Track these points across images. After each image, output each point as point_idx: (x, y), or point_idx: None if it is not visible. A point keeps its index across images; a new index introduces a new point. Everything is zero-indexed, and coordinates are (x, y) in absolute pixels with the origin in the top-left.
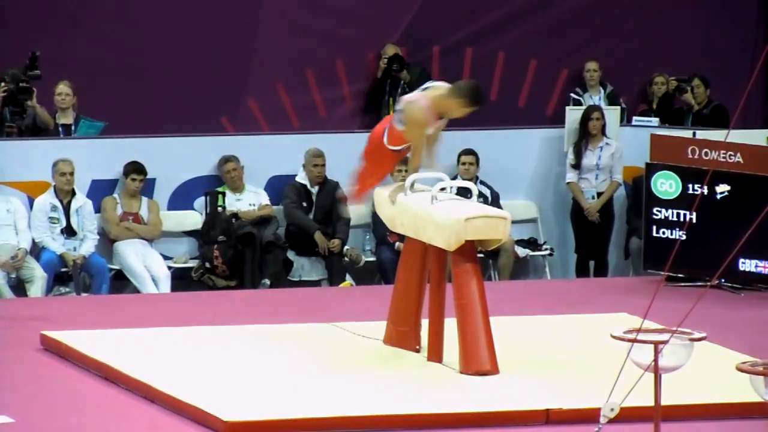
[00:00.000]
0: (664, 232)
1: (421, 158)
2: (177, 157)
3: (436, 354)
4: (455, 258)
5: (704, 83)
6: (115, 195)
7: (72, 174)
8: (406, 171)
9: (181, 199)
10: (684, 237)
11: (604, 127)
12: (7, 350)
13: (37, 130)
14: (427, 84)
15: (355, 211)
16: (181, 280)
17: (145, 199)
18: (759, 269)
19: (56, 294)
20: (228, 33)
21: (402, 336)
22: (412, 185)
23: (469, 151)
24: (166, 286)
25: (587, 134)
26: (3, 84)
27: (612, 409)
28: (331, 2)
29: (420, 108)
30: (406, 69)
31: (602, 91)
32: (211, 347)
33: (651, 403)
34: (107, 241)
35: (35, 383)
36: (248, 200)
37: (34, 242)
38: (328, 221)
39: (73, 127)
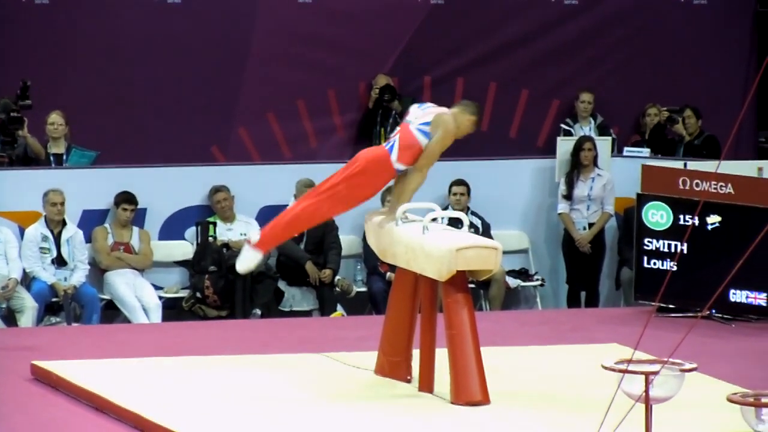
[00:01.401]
0: (655, 263)
1: (425, 176)
2: (168, 187)
3: (427, 384)
4: (446, 288)
5: (696, 114)
6: (106, 225)
7: (63, 204)
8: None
9: (172, 229)
10: (675, 268)
11: (595, 157)
12: None
13: (29, 160)
14: (425, 105)
15: (347, 242)
16: (172, 310)
17: (136, 229)
18: (750, 300)
19: (47, 324)
20: (219, 63)
21: (393, 366)
22: (404, 215)
23: (460, 182)
24: (156, 316)
25: (579, 165)
26: None
27: None
28: (322, 33)
29: (451, 118)
30: (398, 99)
31: (593, 121)
32: (202, 377)
33: None
34: (98, 271)
35: (25, 413)
36: (239, 230)
37: (24, 272)
38: (319, 251)
39: (64, 157)
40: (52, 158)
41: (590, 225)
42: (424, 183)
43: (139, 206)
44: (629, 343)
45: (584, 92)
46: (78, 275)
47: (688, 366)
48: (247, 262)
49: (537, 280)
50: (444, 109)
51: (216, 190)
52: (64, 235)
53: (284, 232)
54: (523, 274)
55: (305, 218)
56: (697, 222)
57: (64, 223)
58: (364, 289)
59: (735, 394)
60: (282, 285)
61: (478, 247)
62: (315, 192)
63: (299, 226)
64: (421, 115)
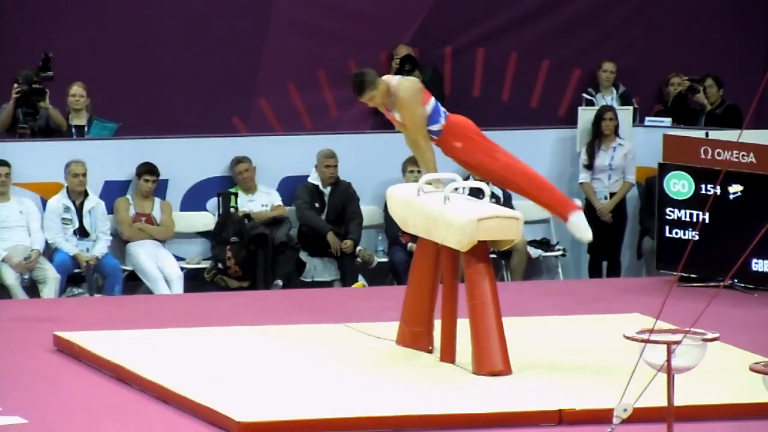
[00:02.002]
0: (676, 233)
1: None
2: (189, 158)
3: (448, 354)
4: (468, 258)
5: (717, 83)
6: (128, 196)
7: (85, 175)
8: (418, 171)
9: (193, 200)
10: (697, 237)
11: (617, 127)
12: (20, 351)
13: (50, 132)
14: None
15: (368, 212)
16: (194, 280)
17: (157, 200)
18: None
19: (69, 295)
20: (239, 34)
21: (415, 336)
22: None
23: None
24: (178, 286)
25: (600, 135)
26: (16, 85)
27: (625, 410)
28: (342, 3)
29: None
30: (418, 69)
31: (614, 91)
32: (224, 348)
33: (664, 403)
34: (120, 242)
35: (48, 384)
36: (260, 201)
37: (47, 243)
38: (340, 222)
39: (86, 128)
40: (73, 130)
41: (611, 195)
42: (444, 155)
43: (160, 177)
44: (651, 313)
45: (606, 62)
46: (100, 246)
47: (710, 335)
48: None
49: (558, 250)
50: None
51: (237, 161)
52: (86, 206)
53: (553, 191)
54: (544, 244)
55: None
56: (719, 191)
57: (86, 194)
58: (385, 259)
59: (757, 363)
60: (303, 256)
61: (500, 217)
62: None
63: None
64: None
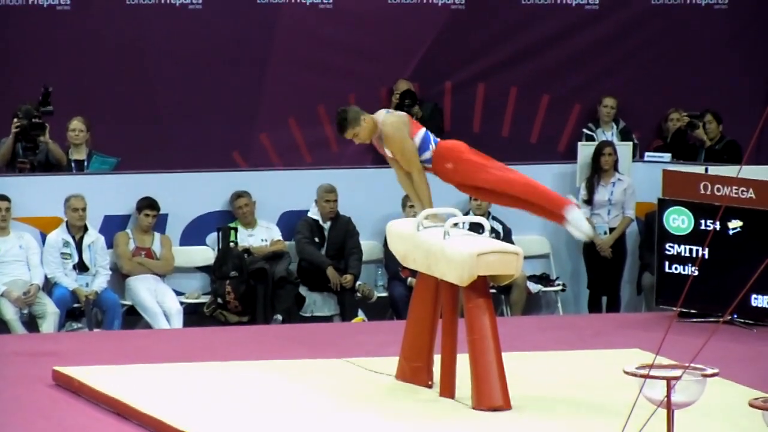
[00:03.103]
0: (676, 268)
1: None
2: (189, 193)
3: (448, 389)
4: (467, 293)
5: (716, 119)
6: (128, 230)
7: (84, 210)
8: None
9: (193, 234)
10: (696, 273)
11: (616, 162)
12: (19, 386)
13: (50, 166)
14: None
15: (368, 247)
16: (194, 315)
17: (157, 235)
18: None
19: (68, 330)
20: (239, 68)
21: (414, 371)
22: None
23: None
24: (178, 321)
25: (599, 170)
26: (16, 119)
27: None
28: (343, 38)
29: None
30: (419, 104)
31: (615, 126)
32: (224, 383)
33: None
34: (119, 277)
35: (48, 419)
36: (260, 236)
37: (46, 278)
38: (340, 257)
39: (85, 163)
40: (73, 164)
41: (611, 230)
42: (445, 188)
43: (160, 212)
44: (651, 348)
45: (607, 97)
46: (99, 281)
47: (709, 371)
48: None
49: (558, 285)
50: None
51: (237, 195)
52: (86, 241)
53: (549, 193)
54: (544, 279)
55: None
56: (718, 227)
57: (85, 229)
58: (385, 294)
59: (757, 399)
60: (303, 290)
61: (499, 252)
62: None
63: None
64: None
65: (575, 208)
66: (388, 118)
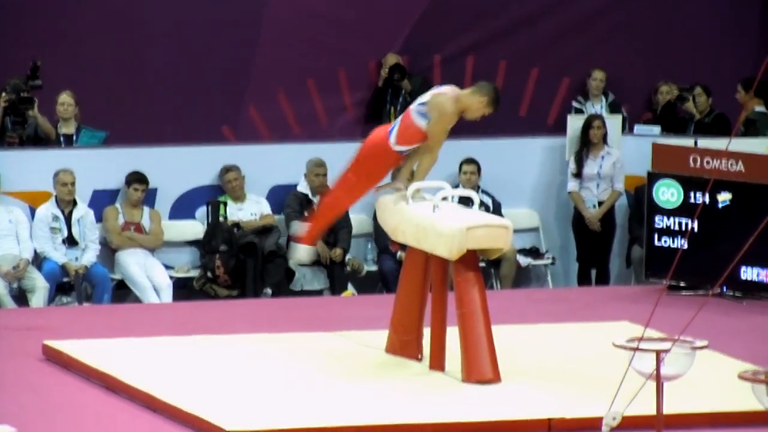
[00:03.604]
0: (665, 241)
1: (436, 157)
2: (178, 167)
3: (438, 363)
4: (457, 267)
5: (706, 92)
6: (117, 205)
7: (73, 184)
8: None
9: (182, 208)
10: (686, 246)
11: (605, 135)
12: (9, 360)
13: (39, 140)
14: (435, 89)
15: (357, 221)
16: (183, 289)
17: (146, 209)
18: (761, 278)
19: (58, 304)
20: (229, 42)
21: (404, 345)
22: (415, 193)
23: (471, 160)
24: (167, 295)
25: (588, 143)
26: (4, 94)
27: (614, 418)
28: (332, 12)
29: (450, 99)
30: (408, 78)
31: (604, 99)
32: (213, 356)
33: (653, 411)
34: (109, 251)
35: (37, 393)
36: (250, 210)
37: (35, 252)
38: (329, 230)
39: (74, 137)
40: (62, 138)
41: (600, 203)
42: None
43: (149, 186)
44: (640, 321)
45: (596, 70)
46: (89, 255)
47: (699, 343)
48: (301, 255)
49: (547, 258)
50: (444, 89)
51: (226, 169)
52: (75, 215)
53: (319, 224)
54: (533, 252)
55: (331, 210)
56: (707, 200)
57: (74, 203)
58: (374, 268)
59: (746, 371)
60: (293, 264)
61: (489, 225)
62: (334, 183)
63: (329, 217)
64: (436, 91)
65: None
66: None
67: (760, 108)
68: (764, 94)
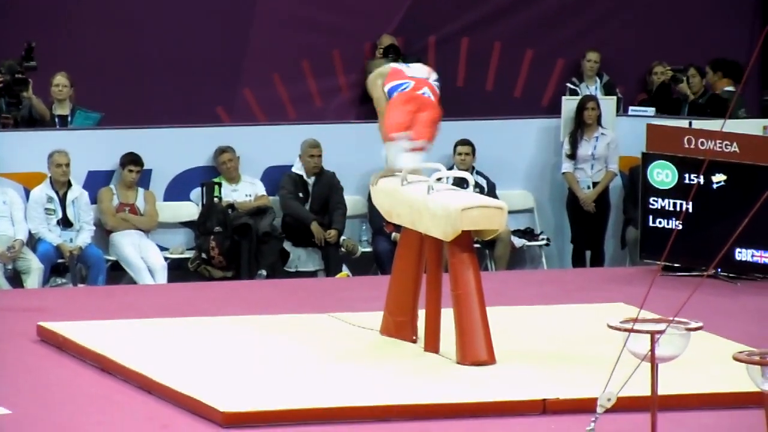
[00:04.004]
0: (660, 222)
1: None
2: (173, 148)
3: (432, 344)
4: (452, 248)
5: (700, 73)
6: (112, 186)
7: (68, 165)
8: None
9: (177, 190)
10: (680, 227)
11: (599, 117)
12: (3, 341)
13: (33, 122)
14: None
15: (352, 202)
16: (178, 270)
17: (141, 190)
18: (755, 259)
19: (53, 285)
20: (224, 23)
21: (399, 326)
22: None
23: (466, 142)
24: (162, 277)
25: (582, 124)
26: None
27: (609, 399)
28: None
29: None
30: (402, 59)
31: (599, 81)
32: (208, 338)
33: (648, 393)
34: (103, 232)
35: (32, 374)
36: (244, 191)
37: (30, 233)
38: (324, 212)
39: (69, 118)
40: (57, 120)
41: (595, 184)
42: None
43: (144, 167)
44: (635, 303)
45: (590, 51)
46: (83, 236)
47: (693, 325)
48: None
49: (542, 239)
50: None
51: (221, 150)
52: (70, 197)
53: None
54: (528, 233)
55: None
56: (702, 181)
57: (69, 185)
58: (369, 249)
59: (741, 352)
60: (287, 246)
61: (483, 206)
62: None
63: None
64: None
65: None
66: None
67: (729, 88)
68: (732, 74)
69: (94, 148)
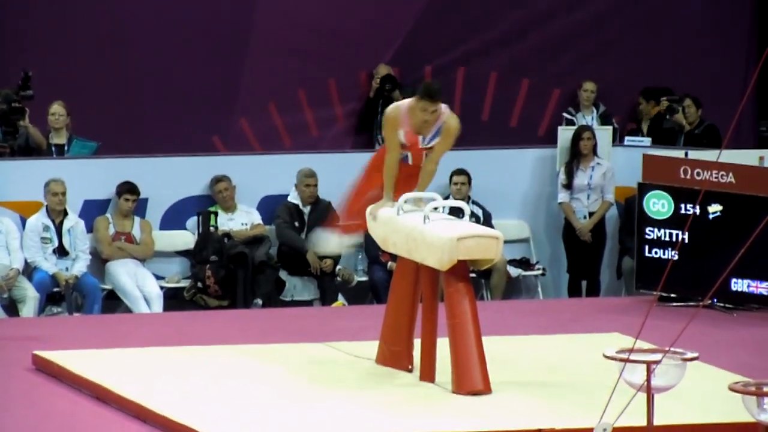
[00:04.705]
0: (656, 252)
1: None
2: (169, 177)
3: (428, 373)
4: (447, 278)
5: (696, 103)
6: (108, 215)
7: (64, 194)
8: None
9: (173, 218)
10: (676, 257)
11: (595, 146)
12: None
13: (30, 150)
14: None
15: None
16: (174, 299)
17: (137, 219)
18: (751, 289)
19: (48, 314)
20: (219, 53)
21: (394, 355)
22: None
23: (461, 171)
24: (158, 305)
25: (578, 154)
26: None
27: (604, 429)
28: (323, 23)
29: (393, 105)
30: (399, 89)
31: (595, 111)
32: (204, 367)
33: (643, 423)
34: (99, 261)
35: (28, 403)
36: (240, 220)
37: (26, 262)
38: None
39: (65, 147)
40: (53, 148)
41: (591, 214)
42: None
43: (140, 196)
44: (631, 333)
45: (587, 81)
46: (79, 265)
47: (689, 355)
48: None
49: (538, 269)
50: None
51: (217, 180)
52: (66, 225)
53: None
54: (524, 263)
55: None
56: (698, 211)
57: (65, 213)
58: (365, 278)
59: (737, 383)
60: (283, 275)
61: (479, 236)
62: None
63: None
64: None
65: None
66: (454, 116)
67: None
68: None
69: (91, 176)
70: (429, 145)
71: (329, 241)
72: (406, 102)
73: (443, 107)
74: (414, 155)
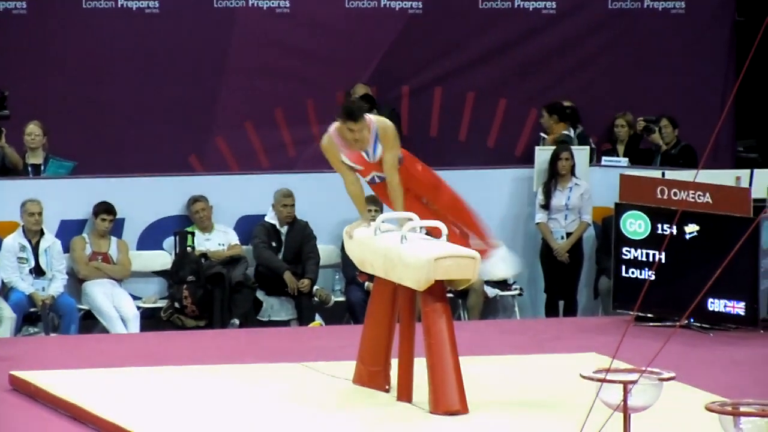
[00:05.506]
0: (633, 272)
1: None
2: (146, 197)
3: (405, 394)
4: (425, 298)
5: (672, 123)
6: (84, 235)
7: (40, 214)
8: (375, 210)
9: (150, 239)
10: (653, 277)
11: (573, 167)
12: None
13: (6, 170)
14: None
15: (325, 252)
16: (150, 320)
17: (114, 239)
18: (728, 309)
19: (25, 334)
20: (196, 72)
21: (372, 376)
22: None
23: None
24: (135, 326)
25: (556, 174)
26: None
27: None
28: (300, 42)
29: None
30: (376, 109)
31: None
32: (181, 387)
33: None
34: (76, 281)
35: (4, 423)
36: (217, 240)
37: (2, 282)
38: (297, 261)
39: (42, 167)
40: (29, 168)
41: (568, 234)
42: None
43: (117, 216)
44: (607, 353)
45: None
46: (56, 285)
47: (666, 375)
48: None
49: (515, 289)
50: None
51: (194, 200)
52: (42, 245)
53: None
54: (501, 283)
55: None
56: (675, 231)
57: (42, 233)
58: (342, 298)
59: (713, 402)
60: (260, 295)
61: (456, 256)
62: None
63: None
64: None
65: (502, 248)
66: (386, 121)
67: (566, 131)
68: (568, 117)
69: (67, 196)
70: (379, 156)
71: (496, 268)
72: (333, 127)
73: (369, 117)
74: (378, 170)
